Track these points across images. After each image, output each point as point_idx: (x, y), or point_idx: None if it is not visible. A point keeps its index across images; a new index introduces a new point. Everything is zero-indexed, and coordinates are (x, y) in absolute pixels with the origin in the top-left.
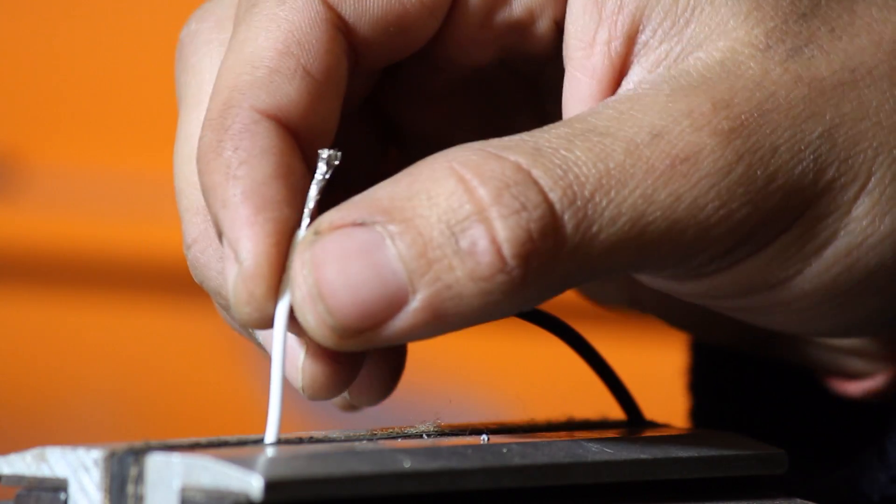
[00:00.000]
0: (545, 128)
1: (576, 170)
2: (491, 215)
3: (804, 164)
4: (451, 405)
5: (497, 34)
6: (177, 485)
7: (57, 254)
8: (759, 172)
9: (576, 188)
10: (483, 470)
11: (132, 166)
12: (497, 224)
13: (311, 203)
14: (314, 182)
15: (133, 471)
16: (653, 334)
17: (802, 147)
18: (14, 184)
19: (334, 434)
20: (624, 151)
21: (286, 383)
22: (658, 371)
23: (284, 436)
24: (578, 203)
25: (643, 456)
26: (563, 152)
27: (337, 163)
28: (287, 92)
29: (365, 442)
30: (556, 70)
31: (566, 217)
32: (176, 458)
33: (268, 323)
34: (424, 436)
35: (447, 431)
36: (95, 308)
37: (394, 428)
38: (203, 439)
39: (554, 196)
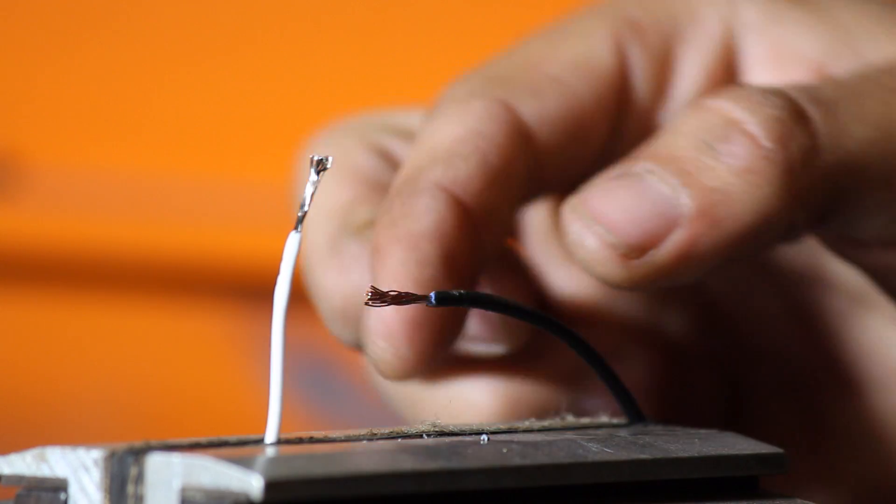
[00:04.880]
0: None
1: (810, 87)
2: (737, 115)
3: None
4: (451, 405)
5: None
6: (177, 485)
7: (57, 254)
8: None
9: (816, 92)
10: (483, 470)
11: (132, 166)
12: (745, 116)
13: (305, 207)
14: (307, 185)
15: (133, 471)
16: None
17: None
18: (14, 184)
19: (334, 434)
20: (855, 77)
21: (286, 384)
22: None
23: (284, 436)
24: (824, 100)
25: (643, 456)
26: (792, 84)
27: (328, 167)
28: (461, 168)
29: (365, 442)
30: None
31: (811, 110)
32: (176, 458)
33: (407, 367)
34: (424, 436)
35: (447, 431)
36: (95, 308)
37: (394, 428)
38: (203, 439)
39: (793, 94)
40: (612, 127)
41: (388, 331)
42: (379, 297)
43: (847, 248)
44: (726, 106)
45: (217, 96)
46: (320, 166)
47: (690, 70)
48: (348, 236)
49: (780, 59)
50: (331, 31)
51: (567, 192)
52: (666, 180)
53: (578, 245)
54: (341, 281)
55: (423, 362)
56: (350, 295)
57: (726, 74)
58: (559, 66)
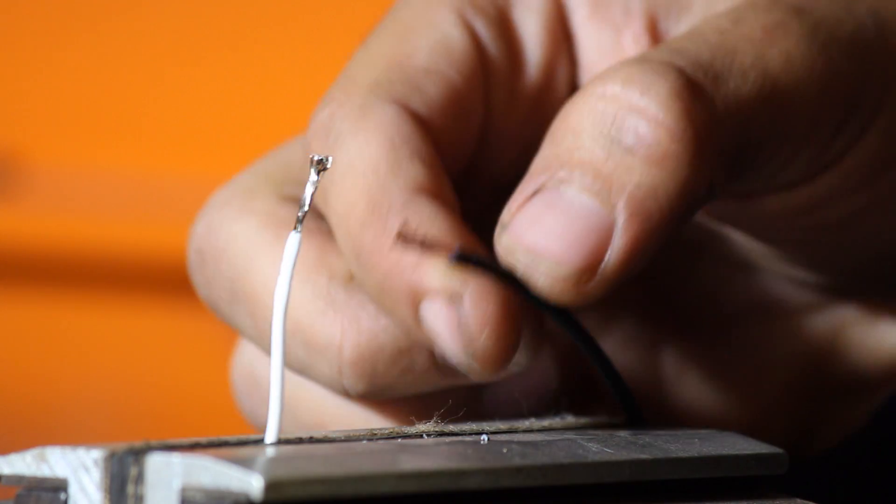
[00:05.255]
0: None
1: (685, 52)
2: (634, 99)
3: (867, 27)
4: (451, 405)
5: (526, 104)
6: (177, 485)
7: (57, 254)
8: (837, 36)
9: (694, 57)
10: (483, 470)
11: (132, 166)
12: (642, 101)
13: (305, 207)
14: (308, 185)
15: (133, 471)
16: None
17: (857, 14)
18: (14, 184)
19: (334, 434)
20: (716, 35)
21: (285, 383)
22: None
23: (284, 436)
24: (704, 66)
25: (643, 456)
26: (664, 49)
27: (328, 166)
28: (420, 171)
29: (365, 442)
30: None
31: (700, 77)
32: (176, 458)
33: (507, 356)
34: (424, 436)
35: (447, 431)
36: (95, 308)
37: (394, 428)
38: (203, 439)
39: (679, 63)
40: (484, 102)
41: (491, 323)
42: (408, 237)
43: (733, 205)
44: (620, 91)
45: (217, 97)
46: (320, 166)
47: (531, 31)
48: (345, 288)
49: (603, 9)
50: (331, 33)
51: (454, 178)
52: (587, 190)
53: (530, 282)
54: (351, 331)
55: (515, 351)
56: (363, 344)
57: (563, 31)
58: (426, 58)
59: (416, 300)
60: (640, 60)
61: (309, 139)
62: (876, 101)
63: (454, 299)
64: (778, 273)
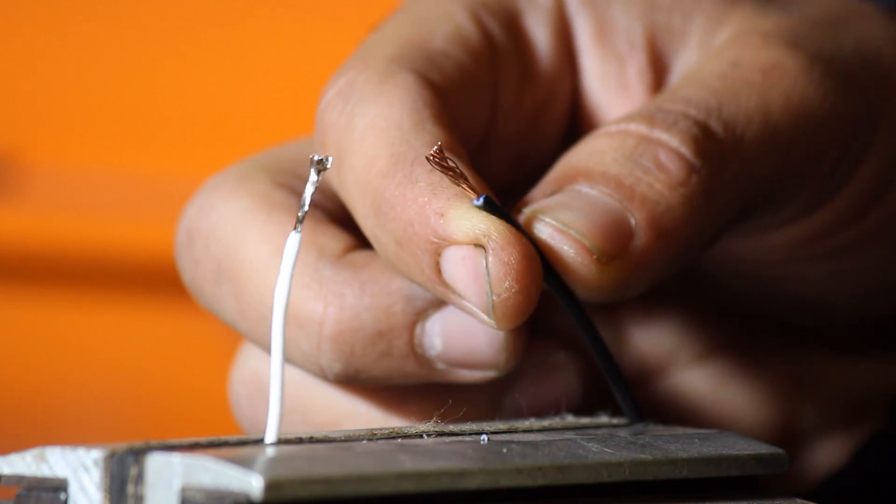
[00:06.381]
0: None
1: (695, 101)
2: (655, 134)
3: (854, 62)
4: (451, 405)
5: (530, 109)
6: (177, 485)
7: (57, 254)
8: (830, 73)
9: (704, 105)
10: (483, 470)
11: (132, 166)
12: (665, 136)
13: (304, 207)
14: (308, 184)
15: (133, 471)
16: None
17: (845, 49)
18: (14, 184)
19: (334, 434)
20: (718, 80)
21: (285, 382)
22: None
23: (284, 436)
24: (714, 113)
25: (643, 456)
26: (676, 98)
27: (328, 167)
28: (442, 132)
29: (365, 442)
30: None
31: (712, 123)
32: (176, 458)
33: (531, 305)
34: (424, 436)
35: (447, 431)
36: (95, 308)
37: (394, 428)
38: (203, 439)
39: (692, 112)
40: (493, 98)
41: (513, 273)
42: (439, 162)
43: (733, 241)
44: (643, 129)
45: (217, 97)
46: (320, 166)
47: (542, 42)
48: (332, 265)
49: (608, 38)
50: (333, 38)
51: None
52: (609, 195)
53: (554, 252)
54: (334, 307)
55: (534, 306)
56: (345, 321)
57: (569, 49)
58: (442, 42)
59: (437, 249)
60: (658, 108)
61: (322, 110)
62: (868, 134)
63: (478, 247)
64: (750, 314)
